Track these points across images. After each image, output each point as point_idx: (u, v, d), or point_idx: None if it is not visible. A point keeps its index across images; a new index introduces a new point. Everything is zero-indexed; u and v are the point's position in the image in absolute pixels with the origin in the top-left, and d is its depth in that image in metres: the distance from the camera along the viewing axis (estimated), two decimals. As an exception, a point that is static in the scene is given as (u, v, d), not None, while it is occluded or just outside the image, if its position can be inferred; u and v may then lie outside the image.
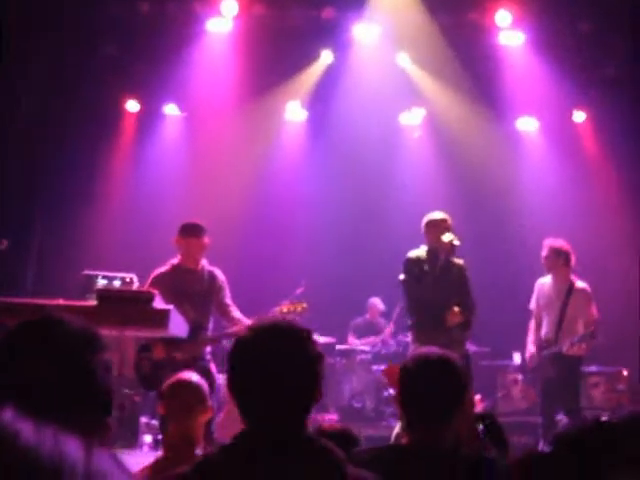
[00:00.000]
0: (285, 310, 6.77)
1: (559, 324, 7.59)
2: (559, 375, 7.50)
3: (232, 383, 2.28)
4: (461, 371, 2.96)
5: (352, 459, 2.94)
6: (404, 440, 3.12)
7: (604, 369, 9.66)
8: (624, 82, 10.16)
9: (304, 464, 2.17)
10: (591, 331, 7.46)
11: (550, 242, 7.68)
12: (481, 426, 3.30)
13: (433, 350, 3.08)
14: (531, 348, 7.74)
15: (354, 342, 10.24)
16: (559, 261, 7.62)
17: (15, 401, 1.62)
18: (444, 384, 2.89)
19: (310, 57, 10.50)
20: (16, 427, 0.82)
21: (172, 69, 10.06)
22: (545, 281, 7.79)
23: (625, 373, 9.51)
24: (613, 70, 10.23)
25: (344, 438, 3.63)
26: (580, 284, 7.68)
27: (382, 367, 9.29)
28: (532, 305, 7.85)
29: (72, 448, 0.84)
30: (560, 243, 7.67)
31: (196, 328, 6.40)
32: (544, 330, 7.71)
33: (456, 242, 6.60)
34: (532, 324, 7.83)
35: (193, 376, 4.09)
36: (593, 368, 9.63)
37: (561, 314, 7.59)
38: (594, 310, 7.64)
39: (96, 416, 1.88)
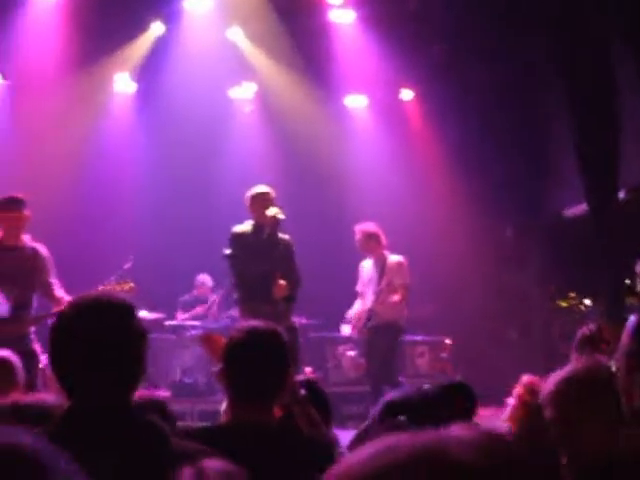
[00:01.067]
0: (111, 290, 6.61)
1: (377, 295, 8.10)
2: (381, 343, 8.04)
3: (53, 359, 2.25)
4: (287, 345, 2.94)
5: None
6: (224, 417, 3.10)
7: (428, 338, 10.08)
8: (450, 61, 10.50)
9: (128, 439, 2.15)
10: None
11: (360, 227, 8.25)
12: (303, 392, 3.33)
13: (261, 324, 3.03)
14: (355, 322, 8.36)
15: (182, 317, 10.17)
16: (371, 243, 8.18)
17: None
18: (271, 358, 2.86)
19: (140, 28, 10.29)
20: None
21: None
22: (366, 263, 8.33)
23: (448, 342, 9.95)
24: (440, 49, 10.54)
25: (155, 409, 3.61)
26: (393, 257, 8.23)
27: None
28: (358, 287, 8.40)
29: None
30: (368, 227, 8.23)
31: (18, 307, 6.18)
32: (367, 304, 8.23)
33: (280, 216, 6.68)
34: (357, 303, 8.40)
35: (1, 352, 3.99)
36: (419, 337, 10.03)
37: (378, 286, 8.10)
38: (407, 278, 8.18)
39: None
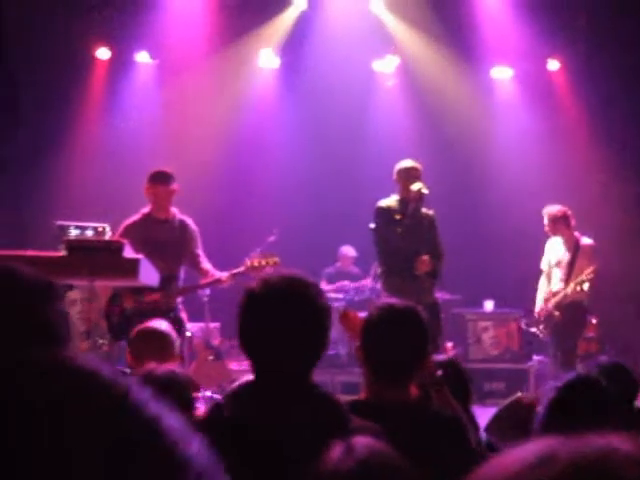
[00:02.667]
0: (256, 264, 6.66)
1: (567, 278, 8.00)
2: (564, 319, 7.94)
3: (242, 334, 2.32)
4: (425, 324, 2.91)
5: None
6: (362, 394, 3.10)
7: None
8: (597, 31, 10.12)
9: (311, 414, 2.21)
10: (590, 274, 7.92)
11: (547, 210, 8.09)
12: (440, 372, 3.30)
13: (400, 302, 3.03)
14: (541, 302, 8.21)
15: (326, 288, 10.24)
16: (559, 225, 8.03)
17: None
18: (408, 336, 2.84)
19: (283, 4, 10.39)
20: None
21: (143, 16, 9.94)
22: (555, 241, 8.18)
23: (594, 321, 9.63)
24: (586, 19, 10.18)
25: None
26: (585, 240, 8.11)
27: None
28: (543, 265, 8.27)
29: None
30: (556, 209, 8.05)
31: (167, 278, 6.38)
32: (554, 285, 8.14)
33: (424, 191, 6.59)
34: (542, 281, 8.27)
35: (161, 324, 4.10)
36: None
37: (569, 269, 8.00)
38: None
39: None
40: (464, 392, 3.54)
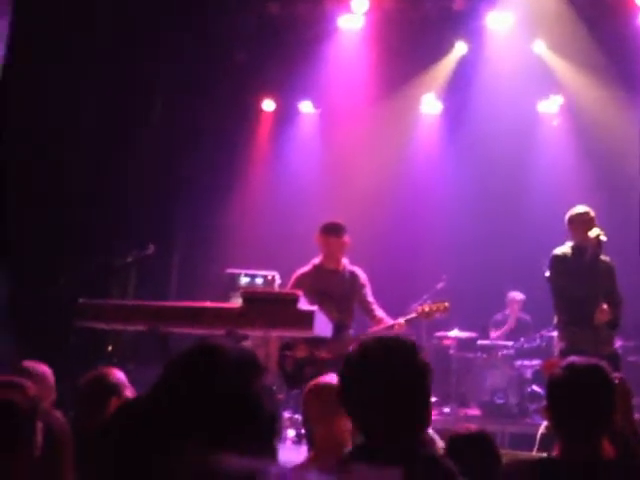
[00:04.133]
0: (427, 310, 6.77)
1: None
2: None
3: (344, 398, 2.35)
4: (611, 379, 2.87)
5: (505, 470, 2.94)
6: (555, 451, 3.07)
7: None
8: None
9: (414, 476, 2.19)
10: None
11: None
12: None
13: (583, 360, 3.00)
14: None
15: (495, 336, 10.07)
16: None
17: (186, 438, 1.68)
18: (593, 394, 2.82)
19: (443, 48, 10.42)
20: None
21: (306, 67, 10.17)
22: None
23: None
24: None
25: (480, 442, 3.61)
26: None
27: (526, 362, 9.14)
28: None
29: None
30: None
31: (339, 327, 6.47)
32: None
33: (603, 237, 6.41)
34: None
35: (335, 378, 4.12)
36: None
37: None
38: None
39: (263, 441, 1.94)
40: None
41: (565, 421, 2.85)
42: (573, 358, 3.19)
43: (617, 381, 2.93)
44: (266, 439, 1.96)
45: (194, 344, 2.02)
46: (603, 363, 2.93)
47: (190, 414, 1.83)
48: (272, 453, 2.01)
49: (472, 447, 3.61)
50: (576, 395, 2.83)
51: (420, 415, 2.31)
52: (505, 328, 10.05)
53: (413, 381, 2.30)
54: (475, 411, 9.14)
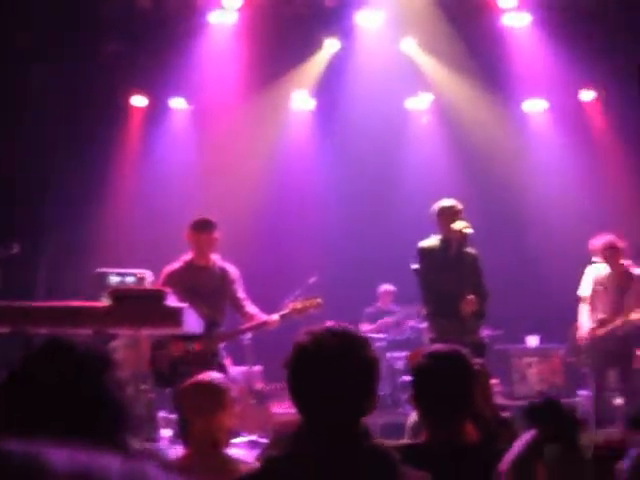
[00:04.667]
0: (300, 306, 6.77)
1: (617, 308, 7.79)
2: (613, 350, 7.73)
3: (292, 388, 2.32)
4: (470, 365, 2.99)
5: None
6: (422, 437, 3.14)
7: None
8: (632, 59, 10.07)
9: (362, 465, 2.21)
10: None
11: (601, 241, 7.90)
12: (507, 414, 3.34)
13: (444, 347, 3.14)
14: (584, 330, 7.93)
15: (367, 329, 10.22)
16: (614, 255, 7.83)
17: (32, 429, 1.63)
18: (454, 380, 2.93)
19: (315, 45, 10.49)
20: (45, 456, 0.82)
21: (177, 63, 10.05)
22: (599, 269, 7.98)
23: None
24: (621, 47, 10.14)
25: None
26: (637, 271, 7.90)
27: (396, 354, 9.29)
28: (583, 291, 8.00)
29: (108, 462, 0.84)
30: (609, 239, 7.88)
31: (210, 324, 6.42)
32: (600, 314, 7.89)
33: (467, 230, 6.56)
34: (583, 308, 8.00)
35: (213, 377, 4.07)
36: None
37: (619, 299, 7.79)
38: None
39: (115, 435, 1.89)
40: (564, 431, 3.44)
41: (429, 407, 2.96)
42: (435, 346, 3.29)
43: (477, 367, 3.02)
44: (114, 433, 1.91)
45: (42, 340, 1.97)
46: (463, 350, 3.03)
47: (34, 406, 1.78)
48: (122, 447, 1.96)
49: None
50: (438, 381, 2.93)
51: (367, 404, 2.31)
52: (385, 320, 10.20)
53: (365, 373, 2.30)
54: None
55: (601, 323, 7.82)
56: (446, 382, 2.91)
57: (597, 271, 7.98)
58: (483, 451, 2.93)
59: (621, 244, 7.86)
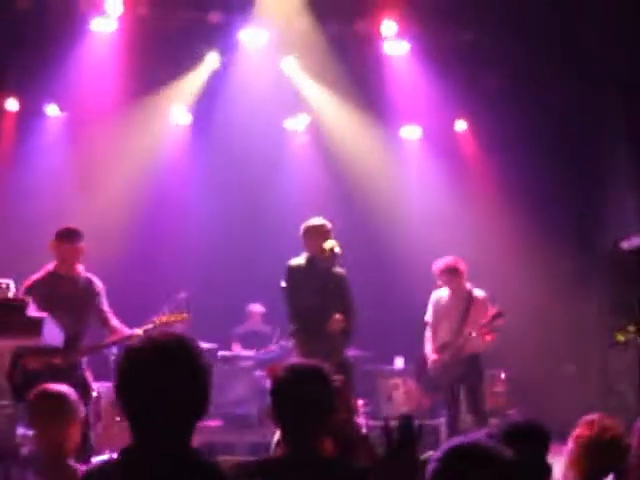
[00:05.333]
0: (165, 320, 6.70)
1: (459, 330, 7.82)
2: (463, 374, 7.74)
3: (121, 397, 2.27)
4: (330, 380, 2.99)
5: (231, 473, 2.95)
6: (280, 450, 3.14)
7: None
8: (505, 92, 10.44)
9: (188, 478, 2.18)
10: (492, 317, 7.78)
11: (440, 264, 7.96)
12: (364, 431, 3.36)
13: (303, 361, 3.14)
14: (433, 355, 7.92)
15: (238, 350, 10.19)
16: (454, 277, 7.90)
17: None
18: (313, 394, 2.92)
19: (196, 60, 10.38)
20: None
21: (55, 68, 9.79)
22: (441, 293, 8.04)
23: (502, 375, 9.80)
24: (494, 80, 10.50)
25: None
26: (478, 292, 7.98)
27: (264, 373, 9.26)
28: (428, 317, 8.05)
29: None
30: (449, 261, 7.95)
31: (72, 337, 6.24)
32: (442, 337, 7.93)
33: (337, 249, 6.61)
34: (429, 334, 8.02)
35: (60, 387, 4.01)
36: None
37: (461, 321, 7.83)
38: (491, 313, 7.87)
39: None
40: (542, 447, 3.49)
41: (288, 421, 2.94)
42: (294, 360, 3.30)
43: (337, 383, 3.03)
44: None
45: None
46: (323, 365, 3.02)
47: None
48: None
49: None
50: (296, 395, 2.92)
51: (196, 415, 2.28)
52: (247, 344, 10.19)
53: (192, 380, 2.26)
54: (217, 422, 9.15)
55: (442, 347, 7.86)
56: (304, 396, 2.90)
57: (439, 295, 8.04)
58: (340, 466, 2.94)
59: (462, 266, 7.94)
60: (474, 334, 7.71)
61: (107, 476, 2.21)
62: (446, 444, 2.47)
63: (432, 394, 8.63)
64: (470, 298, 7.90)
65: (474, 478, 2.13)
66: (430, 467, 2.47)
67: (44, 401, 3.89)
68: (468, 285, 7.98)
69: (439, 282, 8.00)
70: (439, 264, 7.95)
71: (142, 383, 2.23)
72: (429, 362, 7.92)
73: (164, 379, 2.21)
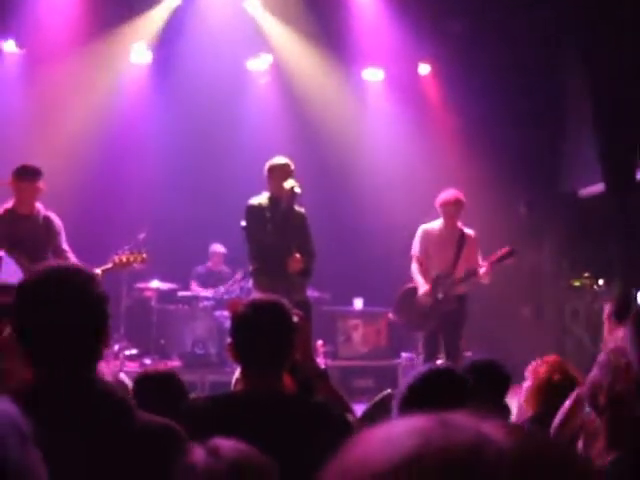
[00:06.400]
0: (125, 260, 6.69)
1: (454, 265, 7.59)
2: (452, 310, 7.54)
3: (17, 330, 2.24)
4: (290, 316, 2.98)
5: (188, 408, 2.96)
6: (239, 386, 3.15)
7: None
8: (468, 36, 10.41)
9: (91, 409, 2.17)
10: (503, 254, 7.58)
11: (450, 195, 7.67)
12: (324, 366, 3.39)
13: (264, 297, 3.14)
14: (425, 286, 7.57)
15: (197, 290, 10.19)
16: (461, 210, 7.69)
17: None
18: (274, 329, 2.90)
19: (157, -3, 10.21)
20: None
21: (11, 3, 9.56)
22: (432, 226, 7.76)
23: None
24: (457, 24, 10.46)
25: (167, 382, 3.68)
26: (469, 231, 7.78)
27: (225, 312, 9.29)
28: (416, 251, 7.72)
29: None
30: (458, 194, 7.71)
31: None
32: (434, 271, 7.66)
33: (297, 189, 6.57)
34: (417, 268, 7.68)
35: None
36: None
37: (455, 258, 7.60)
38: (479, 256, 7.74)
39: None
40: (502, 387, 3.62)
41: (247, 356, 2.92)
42: (255, 295, 3.29)
43: (297, 319, 3.04)
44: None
45: None
46: (283, 300, 3.03)
47: None
48: None
49: (158, 385, 3.64)
50: (257, 330, 2.89)
51: (95, 345, 2.24)
52: (208, 284, 10.19)
53: (88, 309, 2.22)
54: (176, 362, 9.18)
55: (437, 280, 7.59)
56: (265, 331, 2.88)
57: (429, 228, 7.75)
58: (298, 403, 2.96)
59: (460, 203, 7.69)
60: (483, 270, 7.49)
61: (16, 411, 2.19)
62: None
63: (409, 329, 8.43)
64: (462, 234, 7.68)
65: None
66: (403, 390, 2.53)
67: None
68: (459, 223, 7.77)
69: (444, 214, 7.67)
70: (449, 194, 7.67)
71: (34, 314, 2.20)
72: (421, 293, 7.58)
73: (54, 307, 2.18)
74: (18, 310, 2.22)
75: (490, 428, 0.78)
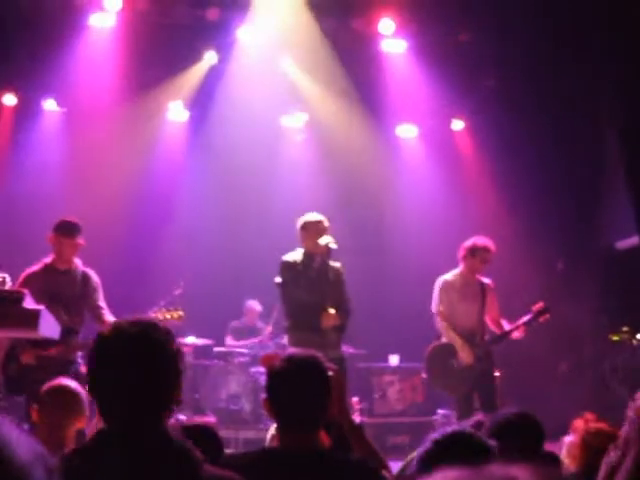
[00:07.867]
0: (161, 318, 6.65)
1: (479, 320, 7.43)
2: (487, 368, 7.41)
3: (90, 382, 2.27)
4: (326, 371, 2.95)
5: (225, 463, 2.95)
6: (275, 443, 3.13)
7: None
8: (501, 91, 10.47)
9: (159, 464, 2.17)
10: (537, 312, 7.40)
11: (480, 240, 7.53)
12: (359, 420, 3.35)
13: (300, 352, 3.11)
14: (465, 347, 7.35)
15: (232, 344, 10.20)
16: (489, 258, 7.50)
17: None
18: (310, 385, 2.89)
19: (194, 57, 10.38)
20: None
21: (53, 63, 9.78)
22: (453, 278, 7.55)
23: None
24: (491, 79, 10.53)
25: (205, 436, 3.67)
26: (487, 280, 7.60)
27: (260, 369, 9.27)
28: (440, 306, 7.47)
29: None
30: (487, 240, 7.55)
31: (68, 331, 6.24)
32: (463, 325, 7.44)
33: (333, 245, 6.61)
34: (446, 325, 7.42)
35: (71, 383, 4.01)
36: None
37: (480, 311, 7.43)
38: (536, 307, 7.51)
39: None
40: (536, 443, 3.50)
41: (283, 411, 2.89)
42: (291, 350, 3.28)
43: (332, 373, 3.02)
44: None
45: None
46: (319, 355, 3.01)
47: None
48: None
49: (196, 439, 3.63)
50: (293, 386, 2.87)
51: (166, 400, 2.26)
52: (249, 341, 10.19)
53: (162, 366, 2.24)
54: (211, 418, 9.15)
55: (471, 338, 7.34)
56: (301, 387, 2.86)
57: (450, 281, 7.52)
58: (333, 458, 2.93)
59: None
60: (517, 334, 7.36)
61: (81, 461, 2.20)
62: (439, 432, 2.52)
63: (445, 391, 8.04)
64: (483, 285, 7.49)
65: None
66: (421, 451, 2.51)
67: (56, 397, 3.88)
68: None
69: (476, 259, 7.43)
70: (487, 240, 7.48)
71: (106, 369, 2.24)
72: (462, 354, 7.31)
73: (126, 365, 2.21)
74: (97, 362, 2.26)
75: (518, 471, 0.82)
